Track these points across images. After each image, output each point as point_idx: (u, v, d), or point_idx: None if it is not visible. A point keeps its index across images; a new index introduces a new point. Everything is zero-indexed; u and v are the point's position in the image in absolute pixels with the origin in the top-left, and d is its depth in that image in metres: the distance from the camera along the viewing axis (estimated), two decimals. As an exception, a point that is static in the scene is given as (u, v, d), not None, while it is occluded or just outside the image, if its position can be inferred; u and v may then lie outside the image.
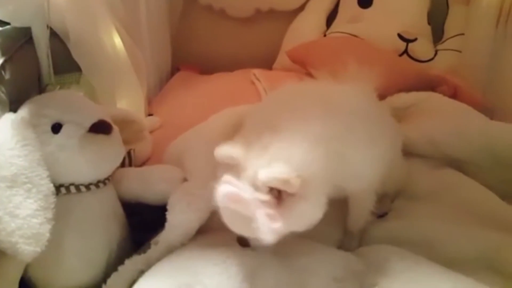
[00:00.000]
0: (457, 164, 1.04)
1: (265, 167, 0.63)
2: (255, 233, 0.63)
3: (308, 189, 0.65)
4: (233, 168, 0.67)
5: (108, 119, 0.87)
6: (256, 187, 0.63)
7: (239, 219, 0.65)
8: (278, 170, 0.63)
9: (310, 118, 0.72)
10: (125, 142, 0.92)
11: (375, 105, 0.91)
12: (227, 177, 0.66)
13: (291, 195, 0.63)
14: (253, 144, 0.69)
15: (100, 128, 0.82)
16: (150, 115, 1.40)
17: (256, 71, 1.62)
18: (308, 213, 0.68)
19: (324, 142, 0.70)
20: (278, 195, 0.64)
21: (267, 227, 0.61)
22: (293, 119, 0.72)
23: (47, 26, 0.90)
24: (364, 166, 0.78)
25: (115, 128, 0.87)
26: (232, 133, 1.01)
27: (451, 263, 0.75)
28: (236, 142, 0.70)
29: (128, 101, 1.17)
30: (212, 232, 0.87)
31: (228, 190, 0.64)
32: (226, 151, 0.68)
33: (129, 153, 1.01)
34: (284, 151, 0.66)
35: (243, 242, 0.73)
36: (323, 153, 0.68)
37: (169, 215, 0.82)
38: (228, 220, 0.68)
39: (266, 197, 0.62)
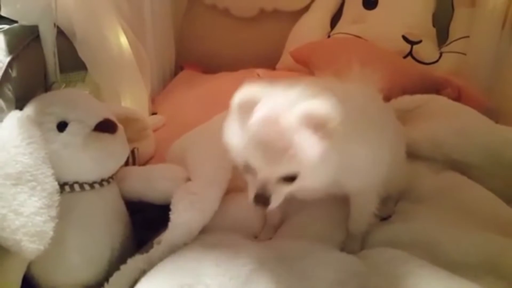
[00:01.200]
0: (461, 167, 1.04)
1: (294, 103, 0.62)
2: (289, 162, 0.61)
3: (337, 135, 0.63)
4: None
5: (113, 118, 0.87)
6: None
7: (272, 148, 0.62)
8: (319, 104, 0.61)
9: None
10: (129, 140, 0.92)
11: (380, 106, 0.91)
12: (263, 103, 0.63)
13: (324, 134, 0.62)
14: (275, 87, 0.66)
15: (106, 127, 0.83)
16: (153, 113, 1.40)
17: (260, 71, 1.63)
18: (329, 161, 0.65)
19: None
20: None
21: (311, 147, 0.60)
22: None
23: (54, 25, 0.90)
24: (366, 165, 0.78)
25: (120, 127, 0.87)
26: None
27: (455, 267, 0.74)
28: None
29: (132, 100, 1.18)
30: (215, 232, 0.87)
31: (265, 113, 0.62)
32: (247, 91, 0.66)
33: (132, 151, 1.01)
34: (313, 92, 0.64)
35: (261, 200, 0.66)
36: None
37: (172, 215, 0.82)
38: (257, 151, 0.63)
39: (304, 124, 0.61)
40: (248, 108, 0.65)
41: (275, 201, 0.66)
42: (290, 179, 0.66)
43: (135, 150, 1.02)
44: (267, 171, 0.65)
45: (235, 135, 0.67)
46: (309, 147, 0.61)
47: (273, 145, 0.62)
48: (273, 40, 1.81)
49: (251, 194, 0.67)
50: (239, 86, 1.67)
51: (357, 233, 0.88)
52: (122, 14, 1.19)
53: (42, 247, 0.68)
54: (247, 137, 0.64)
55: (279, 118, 0.62)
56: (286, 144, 0.61)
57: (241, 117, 0.66)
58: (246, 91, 0.66)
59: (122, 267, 0.78)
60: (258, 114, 0.63)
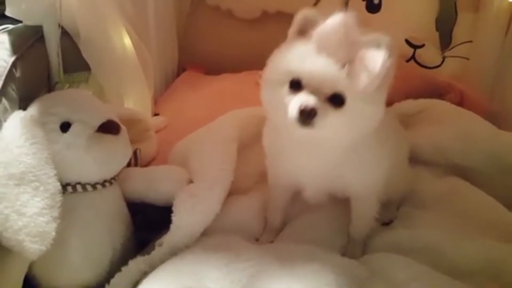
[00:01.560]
0: (463, 172, 1.04)
1: None
2: (345, 78, 0.62)
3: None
4: None
5: (117, 119, 0.87)
6: None
7: (335, 55, 0.62)
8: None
9: None
10: (131, 141, 0.92)
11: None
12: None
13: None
14: None
15: (109, 128, 0.82)
16: (156, 114, 1.40)
17: (262, 73, 1.62)
18: (361, 117, 0.67)
19: None
20: None
21: (368, 70, 0.61)
22: None
23: (59, 25, 0.90)
24: (367, 167, 0.78)
25: (123, 128, 0.87)
26: (239, 135, 1.02)
27: (457, 273, 0.75)
28: None
29: (135, 101, 1.18)
30: (216, 234, 0.87)
31: (337, 22, 0.62)
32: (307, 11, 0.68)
33: (135, 152, 1.01)
34: None
35: (306, 115, 0.64)
36: None
37: (174, 217, 0.82)
38: (319, 57, 0.63)
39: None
40: (310, 26, 0.66)
41: (319, 122, 0.63)
42: (337, 104, 0.64)
43: (138, 151, 1.02)
44: (320, 79, 0.63)
45: (290, 52, 0.67)
46: (370, 66, 0.62)
47: (337, 52, 0.62)
48: (276, 42, 1.79)
49: (293, 110, 0.64)
50: (241, 87, 1.67)
51: (358, 238, 0.88)
52: (126, 15, 1.19)
53: (44, 248, 0.68)
54: (312, 43, 0.64)
55: (349, 30, 0.62)
56: (350, 56, 0.62)
57: (301, 33, 0.67)
58: (309, 11, 0.68)
59: (124, 268, 0.78)
60: (329, 21, 0.63)
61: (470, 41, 1.61)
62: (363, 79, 0.62)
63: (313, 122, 0.64)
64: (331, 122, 0.64)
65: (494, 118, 1.25)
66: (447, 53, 1.66)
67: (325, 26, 0.63)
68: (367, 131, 0.70)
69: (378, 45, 0.62)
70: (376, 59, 0.61)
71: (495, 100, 1.41)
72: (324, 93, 0.64)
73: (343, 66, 0.62)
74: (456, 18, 1.69)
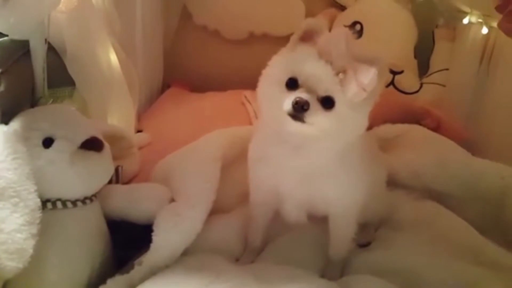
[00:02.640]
0: (438, 197, 1.07)
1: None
2: (337, 82, 0.68)
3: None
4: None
5: (100, 136, 0.87)
6: None
7: (333, 60, 0.68)
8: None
9: None
10: (113, 158, 0.92)
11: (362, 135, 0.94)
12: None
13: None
14: None
15: (92, 145, 0.82)
16: (139, 131, 1.40)
17: (248, 93, 1.64)
18: (348, 129, 0.74)
19: None
20: None
21: (358, 82, 0.67)
22: None
23: (46, 40, 0.90)
24: (348, 185, 0.82)
25: (106, 145, 0.87)
26: (223, 154, 1.03)
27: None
28: None
29: (119, 117, 1.18)
30: (196, 254, 0.87)
31: (340, 33, 0.70)
32: (313, 20, 0.74)
33: (116, 169, 1.01)
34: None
35: (299, 108, 0.69)
36: None
37: (155, 236, 0.82)
38: (319, 61, 0.69)
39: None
40: (313, 33, 0.72)
41: (310, 117, 0.69)
42: (327, 106, 0.70)
43: (119, 168, 1.02)
44: (316, 81, 0.69)
45: (292, 54, 0.73)
46: (361, 79, 0.67)
47: (335, 60, 0.68)
48: (262, 63, 1.82)
49: (286, 105, 0.69)
50: (226, 106, 1.68)
51: (337, 259, 0.89)
52: (114, 31, 1.20)
53: (21, 266, 0.67)
54: (315, 48, 0.70)
55: (349, 43, 0.69)
56: (345, 66, 0.68)
57: (303, 39, 0.73)
58: (314, 20, 0.75)
59: (102, 287, 0.77)
60: (334, 32, 0.72)
61: (447, 69, 1.67)
62: (353, 88, 0.68)
63: (305, 116, 0.69)
64: (319, 121, 0.70)
65: (469, 144, 1.29)
66: (424, 80, 1.71)
67: (330, 35, 0.71)
68: (350, 137, 0.76)
69: (372, 63, 0.68)
70: (367, 74, 0.68)
71: (470, 127, 1.46)
72: (317, 94, 0.70)
73: (338, 73, 0.69)
74: (433, 47, 1.76)
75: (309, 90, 0.70)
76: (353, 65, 0.68)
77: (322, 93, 0.70)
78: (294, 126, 0.71)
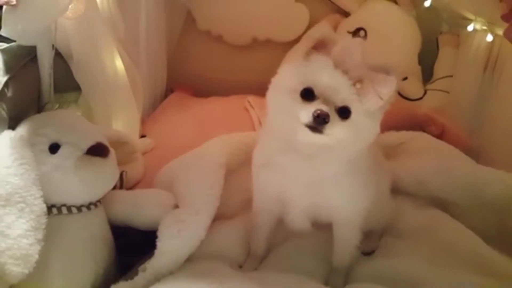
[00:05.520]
0: (443, 205, 1.07)
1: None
2: (353, 93, 0.68)
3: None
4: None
5: (106, 142, 0.87)
6: None
7: (348, 71, 0.69)
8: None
9: None
10: (118, 163, 0.92)
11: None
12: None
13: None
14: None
15: (98, 151, 0.83)
16: (142, 136, 1.40)
17: (251, 98, 1.64)
18: (364, 136, 0.75)
19: None
20: None
21: (376, 91, 0.68)
22: None
23: (53, 46, 0.91)
24: (353, 192, 0.81)
25: (112, 151, 0.87)
26: (227, 161, 1.03)
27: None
28: None
29: (123, 123, 1.18)
30: (200, 260, 0.87)
31: (356, 44, 0.70)
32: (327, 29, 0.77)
33: (121, 175, 1.01)
34: None
35: (320, 120, 0.68)
36: None
37: (159, 242, 0.82)
38: (335, 71, 0.69)
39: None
40: (327, 42, 0.72)
41: (328, 129, 0.69)
42: (344, 116, 0.70)
43: (124, 173, 1.02)
44: (334, 92, 0.69)
45: (307, 63, 0.73)
46: (380, 88, 0.68)
47: (351, 70, 0.69)
48: (265, 68, 1.81)
49: (305, 117, 0.69)
50: (229, 111, 1.68)
51: (340, 268, 0.89)
52: (118, 37, 1.21)
53: (26, 271, 0.68)
54: (330, 58, 0.70)
55: (364, 53, 0.70)
56: (361, 75, 0.69)
57: (316, 48, 0.73)
58: (327, 29, 0.76)
59: (106, 293, 0.77)
60: (349, 42, 0.71)
61: (451, 76, 1.67)
62: (372, 98, 0.69)
63: (324, 128, 0.69)
64: (337, 131, 0.70)
65: (472, 152, 1.29)
66: (428, 86, 1.71)
67: (344, 45, 0.70)
68: (363, 146, 0.77)
69: (387, 71, 0.69)
70: (385, 83, 0.68)
71: (474, 134, 1.46)
72: (335, 105, 0.70)
73: (355, 83, 0.69)
74: (437, 53, 1.76)
75: (326, 101, 0.69)
76: (370, 75, 0.69)
77: (339, 103, 0.70)
78: (311, 137, 0.70)
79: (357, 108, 0.70)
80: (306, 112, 0.68)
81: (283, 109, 0.73)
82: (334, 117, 0.69)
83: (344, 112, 0.70)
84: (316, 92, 0.70)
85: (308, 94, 0.70)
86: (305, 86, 0.71)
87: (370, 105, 0.69)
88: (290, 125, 0.72)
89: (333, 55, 0.70)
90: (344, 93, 0.69)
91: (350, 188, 0.81)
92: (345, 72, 0.69)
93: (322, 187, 0.80)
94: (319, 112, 0.67)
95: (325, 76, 0.69)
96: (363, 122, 0.70)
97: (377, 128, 0.75)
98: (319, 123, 0.68)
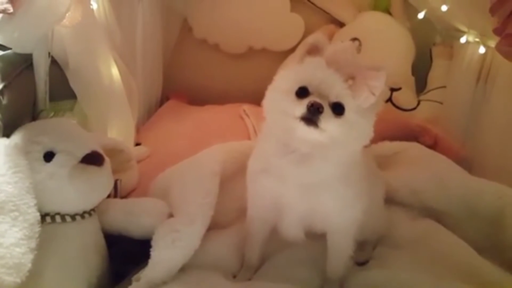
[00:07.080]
0: (436, 215, 1.08)
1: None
2: (346, 89, 0.71)
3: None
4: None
5: (100, 150, 0.87)
6: None
7: (340, 69, 0.71)
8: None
9: None
10: (112, 171, 0.92)
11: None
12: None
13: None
14: None
15: (93, 159, 0.83)
16: (138, 144, 1.40)
17: (246, 107, 1.65)
18: (356, 136, 0.76)
19: None
20: None
21: (367, 86, 0.70)
22: None
23: (49, 54, 0.91)
24: (347, 201, 0.82)
25: (107, 159, 0.87)
26: (222, 169, 1.03)
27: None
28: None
29: (119, 131, 1.18)
30: (193, 270, 0.87)
31: (348, 45, 0.74)
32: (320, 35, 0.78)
33: (115, 183, 1.01)
34: None
35: (314, 112, 0.70)
36: None
37: (153, 252, 0.82)
38: (327, 69, 0.72)
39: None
40: (320, 47, 0.75)
41: (323, 123, 0.70)
42: (337, 112, 0.71)
43: (118, 182, 1.02)
44: (327, 87, 0.71)
45: (301, 65, 0.76)
46: (371, 83, 0.71)
47: (343, 68, 0.71)
48: (261, 77, 1.81)
49: (300, 109, 0.70)
50: (224, 120, 1.68)
51: (335, 278, 0.89)
52: (115, 45, 1.21)
53: (19, 280, 0.67)
54: (323, 58, 0.73)
55: (355, 53, 0.73)
56: (352, 73, 0.71)
57: (310, 52, 0.76)
58: (319, 36, 0.77)
59: (99, 303, 0.77)
60: (340, 43, 0.75)
61: (444, 87, 1.68)
62: (364, 93, 0.71)
63: (318, 120, 0.70)
64: (331, 127, 0.71)
65: (465, 162, 1.30)
66: (422, 97, 1.73)
67: (337, 46, 0.74)
68: (356, 147, 0.78)
69: (378, 69, 0.72)
70: (376, 77, 0.71)
71: (467, 144, 1.47)
72: (328, 100, 0.71)
73: (347, 80, 0.71)
74: (431, 64, 1.78)
75: (320, 97, 0.71)
76: (362, 71, 0.71)
77: (333, 98, 0.71)
78: (306, 131, 0.71)
79: (350, 105, 0.71)
80: (299, 107, 0.71)
81: (279, 108, 0.75)
82: (328, 111, 0.70)
83: (337, 108, 0.71)
84: (310, 89, 0.72)
85: (302, 93, 0.72)
86: (299, 85, 0.73)
87: (363, 100, 0.71)
88: (286, 124, 0.73)
89: (325, 55, 0.73)
90: (337, 89, 0.71)
91: (345, 195, 0.81)
92: (338, 70, 0.71)
93: (317, 192, 0.80)
94: (312, 102, 0.69)
95: (318, 73, 0.72)
96: (357, 120, 0.72)
97: (370, 130, 0.76)
98: (313, 113, 0.69)
